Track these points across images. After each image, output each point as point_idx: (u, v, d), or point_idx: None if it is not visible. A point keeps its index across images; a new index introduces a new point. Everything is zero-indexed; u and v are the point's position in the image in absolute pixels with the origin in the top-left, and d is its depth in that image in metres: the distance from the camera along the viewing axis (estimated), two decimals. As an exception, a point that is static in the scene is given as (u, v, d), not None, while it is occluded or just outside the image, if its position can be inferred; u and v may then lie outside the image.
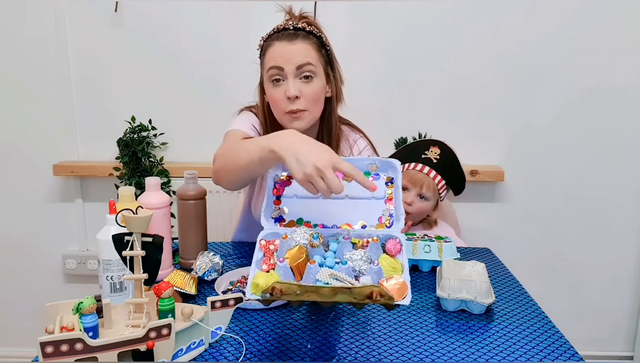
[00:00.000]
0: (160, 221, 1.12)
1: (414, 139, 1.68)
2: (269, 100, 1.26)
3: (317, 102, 1.23)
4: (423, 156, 1.49)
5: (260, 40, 1.27)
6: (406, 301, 0.81)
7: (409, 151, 1.54)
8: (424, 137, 1.66)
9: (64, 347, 0.75)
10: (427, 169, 1.47)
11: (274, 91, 1.21)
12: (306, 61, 1.19)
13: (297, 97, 1.19)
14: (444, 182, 1.48)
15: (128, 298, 0.88)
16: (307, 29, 1.22)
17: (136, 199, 1.13)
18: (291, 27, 1.22)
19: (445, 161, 1.48)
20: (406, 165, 1.50)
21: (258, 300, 0.82)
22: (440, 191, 1.48)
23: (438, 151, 1.48)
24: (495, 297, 1.07)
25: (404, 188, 1.46)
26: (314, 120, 1.26)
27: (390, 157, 1.58)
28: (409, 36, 1.86)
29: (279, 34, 1.22)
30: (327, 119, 1.31)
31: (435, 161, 1.47)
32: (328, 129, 1.31)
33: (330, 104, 1.29)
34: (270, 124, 1.30)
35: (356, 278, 0.87)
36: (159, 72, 1.90)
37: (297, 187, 0.99)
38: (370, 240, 0.94)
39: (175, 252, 1.31)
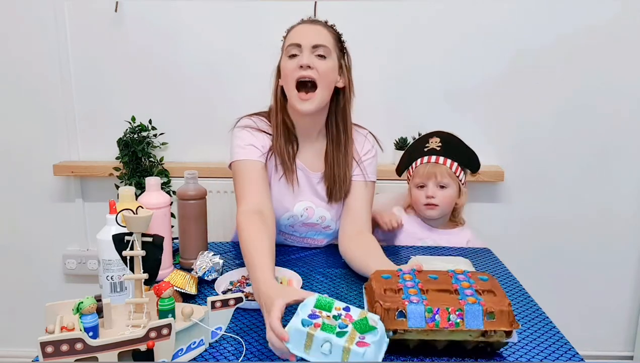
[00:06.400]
0: (161, 221, 1.12)
1: (414, 138, 1.67)
2: (282, 75, 1.29)
3: (326, 79, 1.25)
4: (425, 149, 1.46)
5: (285, 32, 1.32)
6: (514, 338, 0.88)
7: (412, 152, 1.51)
8: (420, 134, 1.64)
9: (64, 347, 0.75)
10: (433, 157, 1.43)
11: (289, 63, 1.25)
12: (322, 42, 1.24)
13: (309, 67, 1.22)
14: (456, 164, 1.43)
15: (128, 298, 0.88)
16: (330, 24, 1.31)
17: (136, 199, 1.13)
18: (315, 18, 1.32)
19: (449, 146, 1.44)
20: (414, 164, 1.47)
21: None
22: (457, 173, 1.44)
23: (438, 140, 1.45)
24: None
25: (422, 186, 1.43)
26: (322, 104, 1.27)
27: (398, 166, 1.55)
28: (408, 36, 1.86)
29: (303, 20, 1.31)
30: (341, 110, 1.32)
31: (438, 149, 1.43)
32: (343, 119, 1.33)
33: (344, 94, 1.31)
34: (279, 109, 1.32)
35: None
36: (159, 72, 1.90)
37: None
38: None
39: (175, 252, 1.31)
